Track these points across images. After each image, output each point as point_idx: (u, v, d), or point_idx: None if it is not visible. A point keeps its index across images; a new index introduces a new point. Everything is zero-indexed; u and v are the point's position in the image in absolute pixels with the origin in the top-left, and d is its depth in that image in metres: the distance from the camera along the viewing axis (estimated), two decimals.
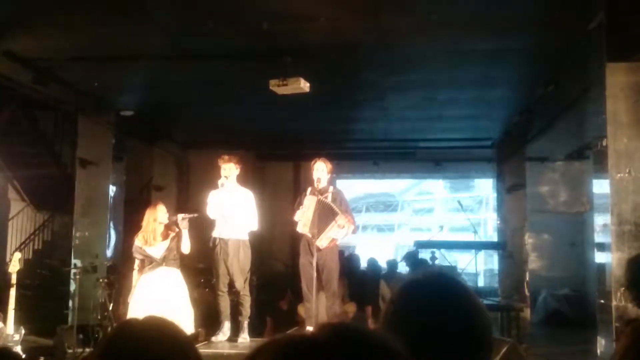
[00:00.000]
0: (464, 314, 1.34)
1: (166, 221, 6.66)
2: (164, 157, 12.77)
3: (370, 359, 0.89)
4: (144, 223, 6.65)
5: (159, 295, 6.39)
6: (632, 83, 5.42)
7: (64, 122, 11.01)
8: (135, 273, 6.71)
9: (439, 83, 8.30)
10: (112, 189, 9.61)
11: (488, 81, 8.11)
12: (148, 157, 12.36)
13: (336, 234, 6.63)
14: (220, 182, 6.74)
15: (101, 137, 9.55)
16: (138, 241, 6.64)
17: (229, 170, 6.77)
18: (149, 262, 6.59)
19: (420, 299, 1.37)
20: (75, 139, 9.74)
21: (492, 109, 9.66)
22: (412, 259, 10.58)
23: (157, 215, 6.65)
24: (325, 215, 6.54)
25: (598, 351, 5.54)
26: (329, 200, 6.64)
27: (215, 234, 6.80)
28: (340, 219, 6.55)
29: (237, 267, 6.71)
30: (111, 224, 9.54)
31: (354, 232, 6.94)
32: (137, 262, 6.70)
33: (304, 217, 6.57)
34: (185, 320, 6.36)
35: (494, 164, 12.27)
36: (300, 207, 6.67)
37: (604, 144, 5.44)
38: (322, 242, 6.53)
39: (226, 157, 6.83)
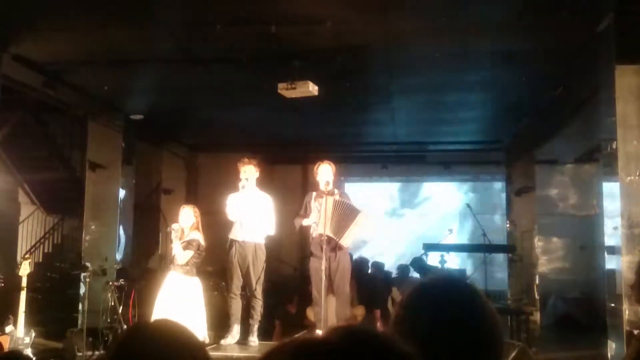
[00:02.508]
0: (474, 317, 1.33)
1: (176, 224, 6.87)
2: (173, 160, 12.79)
3: None
4: None
5: (174, 299, 6.57)
6: None
7: (73, 126, 11.07)
8: None
9: (447, 86, 8.28)
10: (121, 192, 9.64)
11: (497, 84, 8.08)
12: (157, 160, 12.40)
13: (359, 230, 6.63)
14: (240, 184, 6.73)
15: (110, 140, 9.61)
16: None
17: (249, 172, 6.75)
18: None
19: (430, 303, 1.37)
20: (85, 143, 9.80)
21: (501, 111, 9.62)
22: (418, 263, 10.53)
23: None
24: (345, 215, 6.52)
25: (609, 355, 5.51)
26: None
27: (232, 236, 6.79)
28: (361, 217, 6.56)
29: (252, 270, 6.70)
30: (121, 227, 9.58)
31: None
32: None
33: (322, 219, 6.46)
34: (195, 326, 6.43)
35: (503, 166, 12.24)
36: (317, 209, 6.58)
37: (614, 146, 5.41)
38: (346, 240, 6.53)
39: (246, 159, 6.83)
